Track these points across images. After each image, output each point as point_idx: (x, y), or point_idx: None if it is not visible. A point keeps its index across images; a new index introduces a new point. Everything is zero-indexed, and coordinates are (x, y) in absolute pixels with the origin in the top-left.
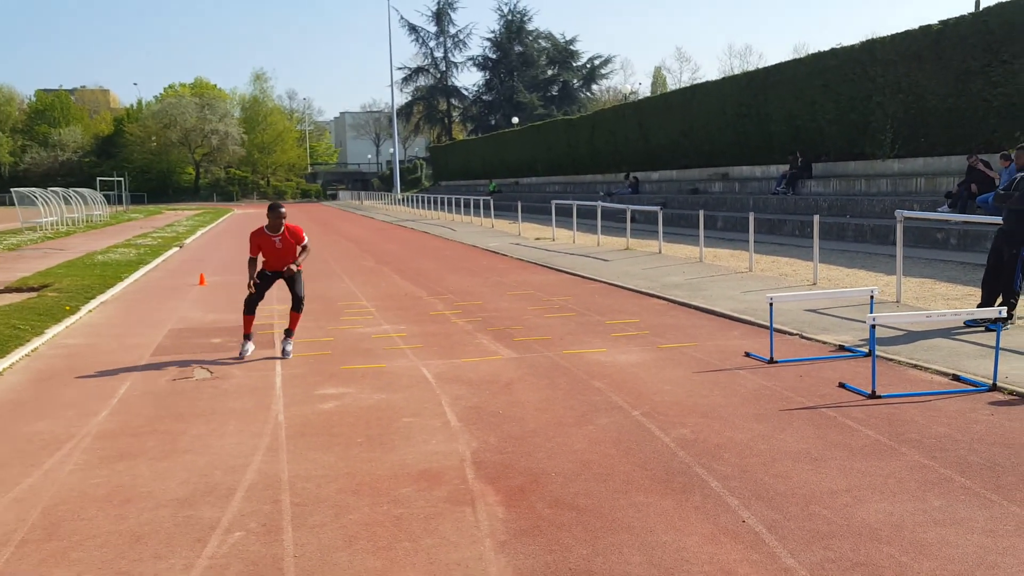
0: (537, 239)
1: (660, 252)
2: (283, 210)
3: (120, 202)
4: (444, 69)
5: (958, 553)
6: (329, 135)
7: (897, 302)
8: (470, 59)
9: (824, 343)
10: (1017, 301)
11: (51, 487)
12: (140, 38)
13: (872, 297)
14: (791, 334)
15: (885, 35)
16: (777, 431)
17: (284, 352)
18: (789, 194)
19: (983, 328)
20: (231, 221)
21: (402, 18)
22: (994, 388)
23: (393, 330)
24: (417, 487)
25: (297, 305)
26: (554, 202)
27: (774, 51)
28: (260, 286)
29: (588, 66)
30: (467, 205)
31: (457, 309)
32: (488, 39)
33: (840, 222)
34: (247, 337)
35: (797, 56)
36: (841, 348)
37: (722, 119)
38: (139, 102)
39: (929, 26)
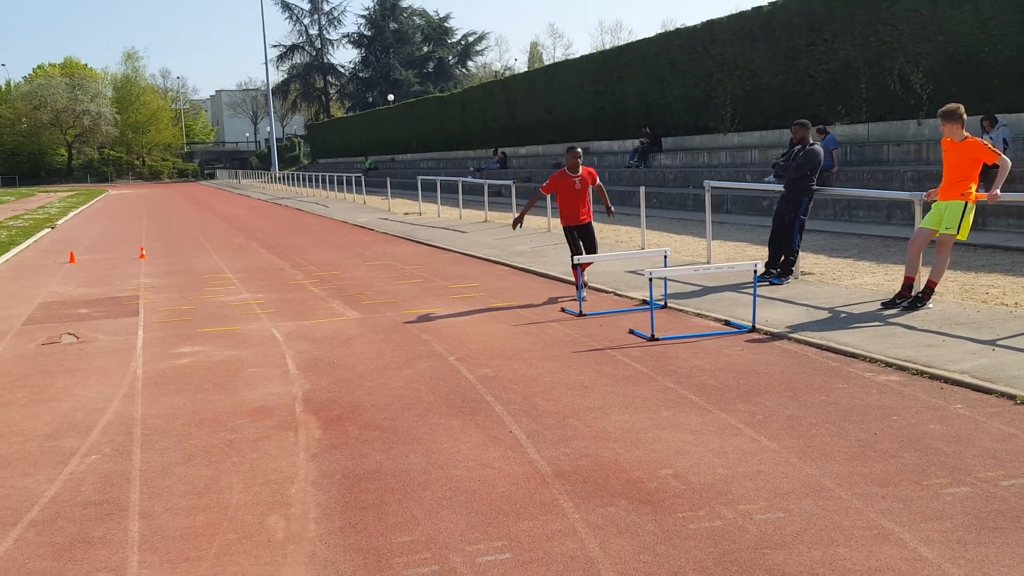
0: (406, 214)
1: None
2: (580, 150)
3: None
4: (320, 47)
5: (664, 446)
6: (205, 114)
7: (708, 263)
8: (345, 36)
9: (632, 298)
10: (796, 259)
11: None
12: (7, 18)
13: (665, 257)
14: (607, 292)
15: (723, 16)
16: (564, 368)
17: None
18: (641, 167)
19: (767, 282)
20: (105, 202)
21: None
22: (753, 330)
23: (252, 298)
24: (251, 419)
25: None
26: (420, 178)
27: (643, 27)
28: (574, 243)
29: (463, 43)
30: (343, 182)
31: (315, 279)
32: (363, 16)
33: (682, 192)
34: (581, 287)
35: (662, 31)
36: (644, 302)
37: (581, 96)
38: (7, 83)
39: (760, 7)
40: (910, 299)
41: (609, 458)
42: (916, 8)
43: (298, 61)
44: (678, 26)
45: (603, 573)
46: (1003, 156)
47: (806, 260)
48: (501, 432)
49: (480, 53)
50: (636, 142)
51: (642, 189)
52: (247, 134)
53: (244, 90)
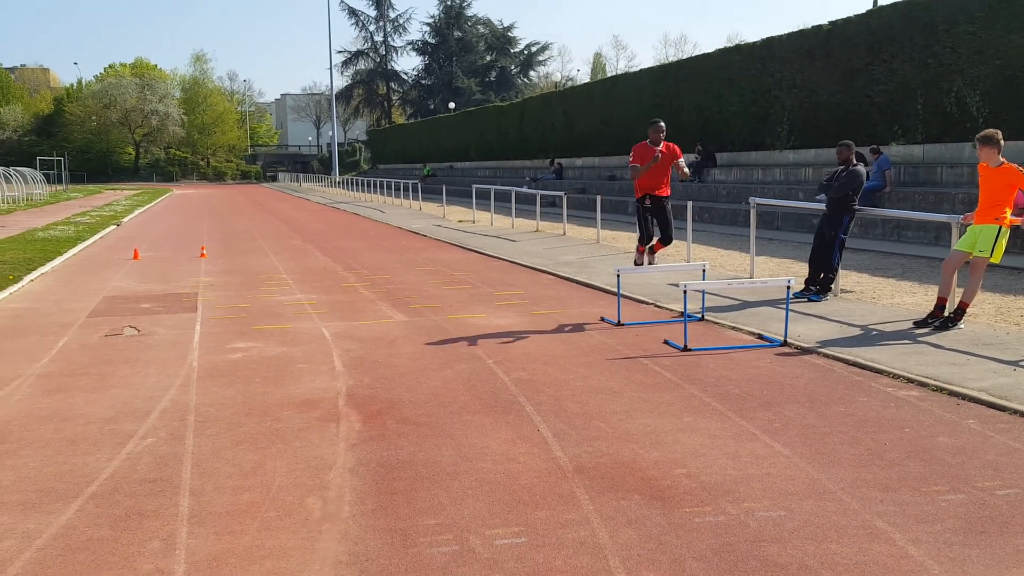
0: (460, 221)
1: (564, 234)
2: (662, 123)
3: (60, 181)
4: (384, 53)
5: (682, 448)
6: (270, 117)
7: (750, 277)
8: (409, 43)
9: (671, 310)
10: (835, 276)
11: (2, 411)
12: (81, 18)
13: (704, 270)
14: (647, 303)
15: (783, 33)
16: (596, 373)
17: (652, 261)
18: (695, 182)
19: (805, 299)
20: (169, 201)
21: (342, 1)
22: (785, 344)
23: (305, 299)
24: (297, 411)
25: (666, 239)
26: (474, 186)
27: (707, 40)
28: (647, 217)
29: (525, 52)
30: (400, 188)
31: (367, 282)
32: (427, 24)
33: (734, 208)
34: (646, 252)
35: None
36: (681, 315)
37: (639, 109)
38: (79, 82)
39: (820, 26)
40: (942, 319)
41: (628, 457)
42: (975, 32)
43: (362, 67)
44: (740, 42)
45: (609, 558)
46: None
47: (849, 278)
48: (529, 431)
49: (542, 63)
50: (691, 156)
51: (689, 204)
52: (309, 138)
53: (308, 94)
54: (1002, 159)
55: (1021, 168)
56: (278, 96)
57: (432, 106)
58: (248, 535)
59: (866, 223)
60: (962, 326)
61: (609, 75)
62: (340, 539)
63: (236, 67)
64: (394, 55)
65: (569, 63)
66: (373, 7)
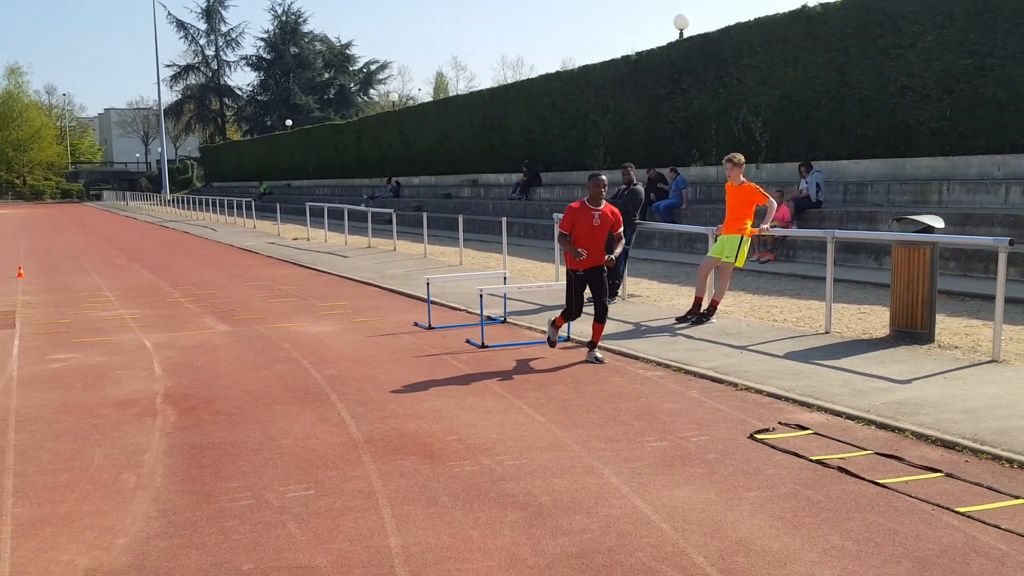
0: (295, 239)
1: (395, 250)
2: (604, 178)
3: None
4: (216, 68)
5: (459, 422)
6: (93, 132)
7: (549, 284)
8: (243, 58)
9: (478, 315)
10: (620, 282)
11: None
12: None
13: (505, 278)
14: (459, 309)
15: (597, 62)
16: (400, 369)
17: (597, 359)
18: (523, 200)
19: None
20: None
21: (169, 14)
22: (568, 339)
23: (128, 313)
24: (115, 409)
25: (601, 315)
26: (308, 204)
27: (543, 64)
28: (575, 293)
29: (364, 70)
30: (234, 206)
31: (192, 297)
32: (262, 39)
33: (553, 225)
34: (592, 345)
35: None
36: (489, 318)
37: (471, 130)
38: None
39: (628, 56)
40: (698, 315)
41: (412, 430)
42: (757, 65)
43: (193, 81)
44: (573, 67)
45: (379, 498)
46: (770, 198)
47: (640, 284)
48: (331, 415)
49: (382, 81)
50: (518, 176)
51: (504, 220)
52: (137, 155)
53: (135, 109)
54: (743, 179)
55: (759, 186)
56: (101, 111)
57: (269, 123)
58: (68, 503)
59: (664, 236)
60: (714, 320)
61: (449, 95)
62: (151, 502)
63: (54, 80)
64: (227, 70)
65: (410, 82)
66: (203, 20)
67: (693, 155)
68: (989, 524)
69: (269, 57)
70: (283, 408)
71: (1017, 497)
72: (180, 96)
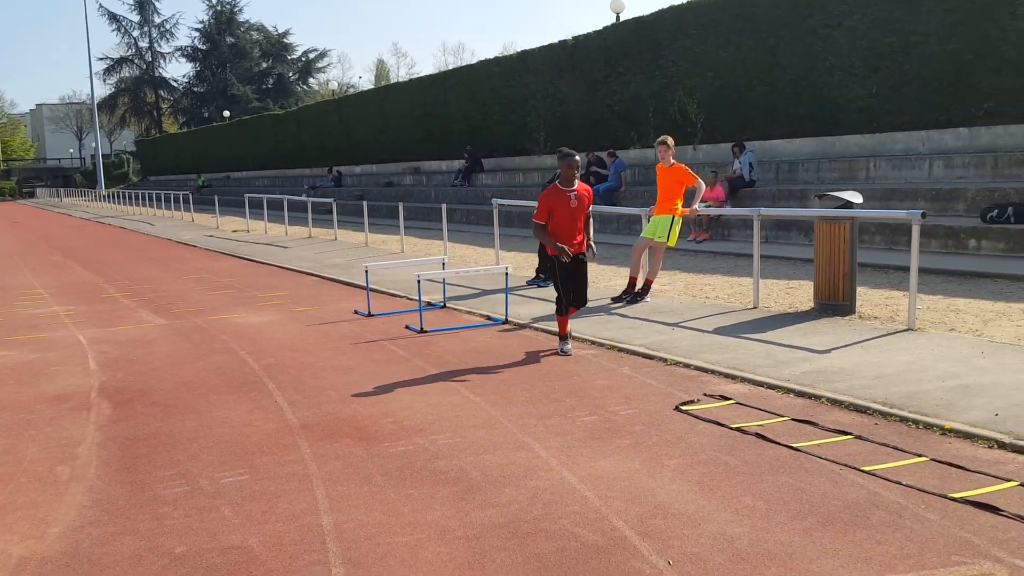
0: (234, 231)
1: (336, 239)
2: (578, 158)
3: None
4: (150, 60)
5: (396, 404)
6: (24, 129)
7: (486, 268)
8: (179, 50)
9: (423, 302)
10: None
11: None
12: None
13: (443, 264)
14: (400, 296)
15: (535, 47)
16: (338, 355)
17: (565, 351)
18: (465, 186)
19: (536, 285)
20: None
21: (101, 6)
22: (506, 321)
23: (62, 310)
24: (49, 404)
25: (579, 305)
26: (247, 195)
27: (485, 50)
28: (563, 279)
29: (303, 59)
30: (172, 200)
31: (128, 292)
32: (197, 29)
33: (502, 210)
34: (564, 337)
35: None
36: (428, 304)
37: (412, 117)
38: None
39: (565, 41)
40: (633, 294)
41: (348, 414)
42: (691, 47)
43: (127, 74)
44: (514, 51)
45: (313, 480)
46: (699, 180)
47: None
48: (268, 402)
49: (322, 70)
50: (459, 163)
51: (443, 207)
52: (71, 150)
53: (68, 104)
54: (673, 160)
55: (688, 168)
56: (33, 106)
57: (207, 114)
58: (1, 496)
59: (606, 218)
60: (648, 299)
61: (391, 83)
62: (85, 492)
63: None
64: (162, 62)
65: (350, 70)
66: (136, 12)
67: (631, 138)
68: (891, 481)
69: (205, 48)
70: (219, 398)
71: (920, 455)
72: (114, 89)
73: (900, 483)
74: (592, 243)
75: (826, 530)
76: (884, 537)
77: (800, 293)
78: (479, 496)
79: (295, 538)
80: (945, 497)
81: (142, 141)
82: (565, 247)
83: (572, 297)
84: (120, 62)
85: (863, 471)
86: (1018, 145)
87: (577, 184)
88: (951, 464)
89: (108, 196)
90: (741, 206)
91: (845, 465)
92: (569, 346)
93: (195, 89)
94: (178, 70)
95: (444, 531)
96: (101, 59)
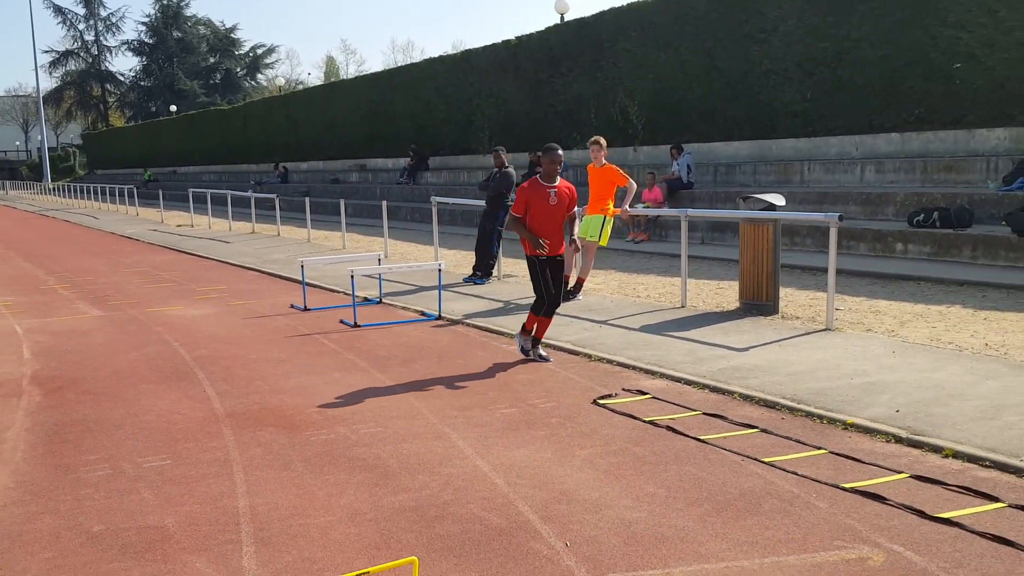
0: (179, 226)
1: (279, 235)
2: (560, 153)
3: None
4: (96, 53)
5: (322, 395)
6: None
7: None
8: (125, 43)
9: (360, 297)
10: (495, 263)
11: None
12: None
13: (379, 259)
14: (338, 291)
15: (479, 47)
16: (271, 348)
17: (543, 356)
18: (410, 184)
19: (472, 282)
20: None
21: None
22: (440, 317)
23: (0, 301)
24: None
25: (551, 310)
26: (191, 190)
27: (435, 47)
28: (543, 280)
29: (251, 55)
30: (118, 194)
31: (68, 284)
32: (143, 23)
33: (445, 208)
34: (528, 332)
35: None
36: (365, 299)
37: (358, 115)
38: None
39: (509, 41)
40: (565, 292)
41: (275, 404)
42: (631, 49)
43: (73, 67)
44: (467, 48)
45: (234, 465)
46: (630, 180)
47: (518, 265)
48: (197, 392)
49: (270, 66)
50: (405, 160)
51: (384, 204)
52: (17, 143)
53: (13, 96)
54: (605, 160)
55: (619, 168)
56: None
57: (154, 108)
58: None
59: None
60: (580, 297)
61: (338, 80)
62: (10, 474)
63: None
64: (108, 55)
65: (299, 66)
66: (82, 5)
67: (574, 138)
68: (788, 472)
69: (151, 42)
70: (149, 387)
71: (820, 448)
72: (60, 83)
73: (796, 474)
74: (576, 238)
75: (720, 516)
76: (773, 523)
77: (729, 293)
78: (393, 482)
79: (211, 519)
80: (837, 487)
81: (88, 135)
82: (540, 240)
83: (552, 300)
84: (66, 55)
85: (763, 462)
86: (947, 150)
87: (559, 181)
88: (848, 457)
89: (54, 189)
90: (678, 207)
91: (747, 456)
92: (542, 351)
93: (142, 83)
94: (125, 64)
95: (356, 514)
96: (47, 52)
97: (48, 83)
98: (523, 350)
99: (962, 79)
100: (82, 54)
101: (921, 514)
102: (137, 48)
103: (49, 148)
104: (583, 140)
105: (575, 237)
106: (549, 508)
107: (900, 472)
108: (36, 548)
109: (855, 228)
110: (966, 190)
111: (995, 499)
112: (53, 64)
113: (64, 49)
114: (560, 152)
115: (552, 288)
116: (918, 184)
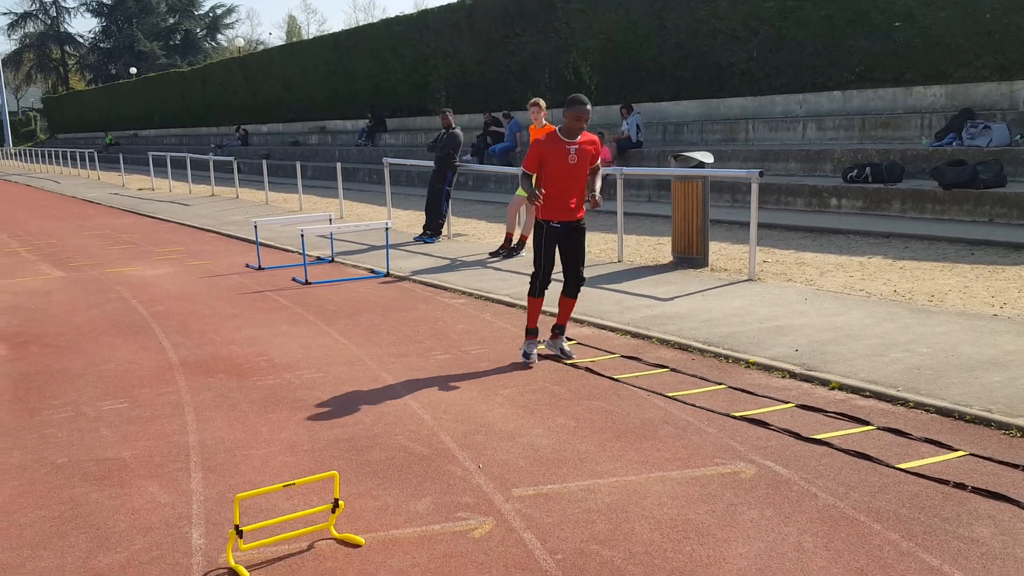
0: (140, 189)
1: (238, 197)
2: (589, 108)
3: None
4: (55, 15)
5: (270, 346)
6: None
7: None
8: (83, 4)
9: (310, 255)
10: (443, 221)
11: None
12: None
13: (331, 219)
14: (292, 251)
15: (435, 6)
16: (224, 304)
17: (564, 352)
18: (368, 145)
19: (422, 241)
20: None
21: None
22: (388, 274)
23: None
24: None
25: (573, 288)
26: (150, 154)
27: (396, 6)
28: (547, 253)
29: (211, 15)
30: (79, 158)
31: (30, 247)
32: None
33: (396, 169)
34: (532, 332)
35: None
36: (318, 258)
37: (317, 76)
38: None
39: (464, 0)
40: (508, 250)
41: (226, 354)
42: (583, 9)
43: (31, 29)
44: (424, 8)
45: (185, 407)
46: None
47: (468, 224)
48: (153, 344)
49: (230, 26)
50: (364, 122)
51: (338, 165)
52: None
53: None
54: (545, 121)
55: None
56: None
57: (114, 71)
58: None
59: (496, 179)
60: (523, 254)
61: (298, 40)
62: None
63: None
64: (67, 16)
65: (259, 26)
66: None
67: (528, 98)
68: (687, 403)
69: (110, 2)
70: (109, 340)
71: (720, 384)
72: (18, 45)
73: (694, 405)
74: (596, 195)
75: (619, 441)
76: (665, 446)
77: (666, 249)
78: (330, 419)
79: (163, 451)
80: (728, 415)
81: (49, 98)
82: (537, 190)
83: (547, 276)
84: (24, 17)
85: (667, 396)
86: (885, 108)
87: (582, 135)
88: (744, 391)
89: (15, 154)
90: (628, 166)
91: (652, 391)
92: (534, 350)
93: (101, 45)
94: (84, 25)
95: (294, 445)
96: (5, 14)
97: (7, 46)
98: (525, 355)
99: (901, 37)
100: (40, 16)
101: (797, 436)
102: (96, 9)
103: (9, 112)
104: None
105: (517, 195)
106: (468, 438)
107: (788, 403)
108: (5, 478)
109: (793, 184)
110: (900, 146)
111: (866, 423)
112: (11, 26)
113: (22, 11)
114: (588, 107)
115: (552, 263)
116: (856, 141)
